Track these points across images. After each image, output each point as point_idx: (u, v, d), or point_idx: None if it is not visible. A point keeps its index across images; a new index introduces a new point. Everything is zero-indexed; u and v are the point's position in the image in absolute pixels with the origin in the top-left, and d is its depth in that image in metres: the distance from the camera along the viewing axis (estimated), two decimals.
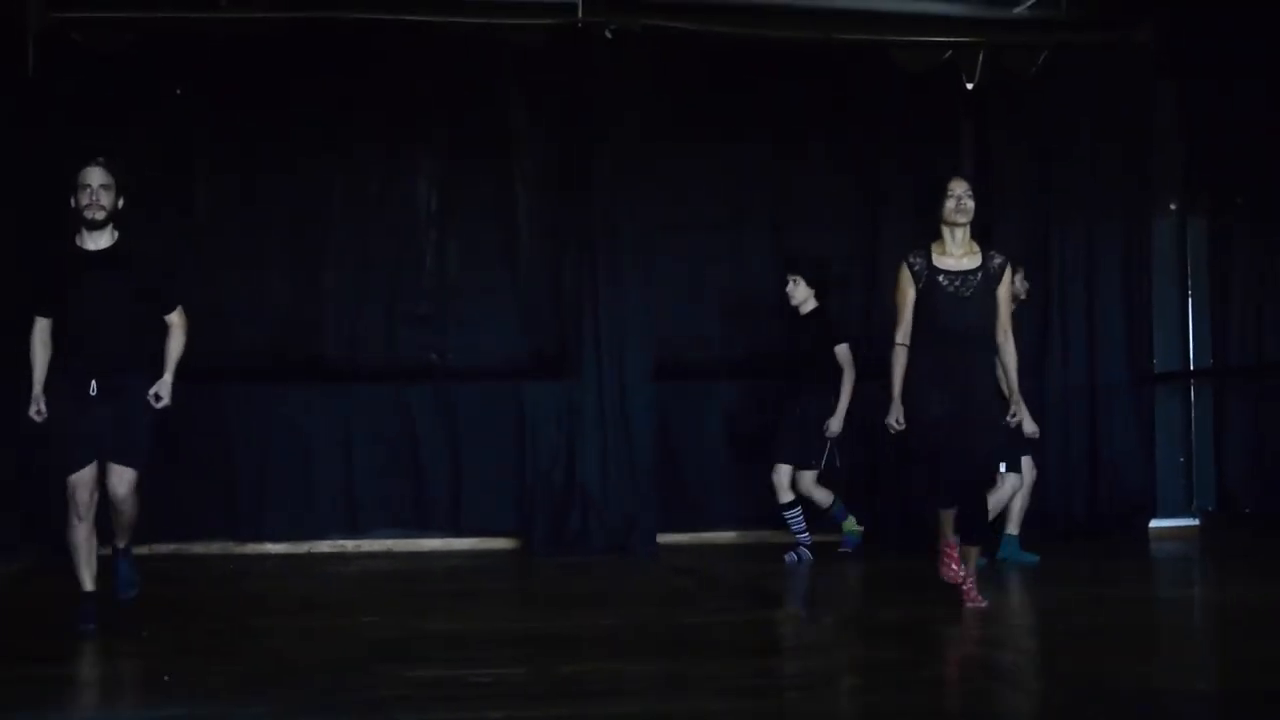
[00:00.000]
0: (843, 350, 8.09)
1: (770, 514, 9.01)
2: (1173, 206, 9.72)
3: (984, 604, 5.98)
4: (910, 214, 9.43)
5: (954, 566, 6.02)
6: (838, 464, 8.08)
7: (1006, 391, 6.17)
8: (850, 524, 8.32)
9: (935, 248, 6.01)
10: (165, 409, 5.83)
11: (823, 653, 5.17)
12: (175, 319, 6.00)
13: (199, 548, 8.44)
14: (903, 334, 5.99)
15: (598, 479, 8.64)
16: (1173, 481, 9.50)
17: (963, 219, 5.96)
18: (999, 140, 9.31)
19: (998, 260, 5.99)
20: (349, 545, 8.63)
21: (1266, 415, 9.47)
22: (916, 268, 5.96)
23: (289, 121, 8.83)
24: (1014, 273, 6.14)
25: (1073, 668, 4.86)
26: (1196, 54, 9.20)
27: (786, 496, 8.06)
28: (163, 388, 5.80)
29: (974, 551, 6.10)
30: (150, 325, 5.90)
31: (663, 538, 8.64)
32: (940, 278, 5.92)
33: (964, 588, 6.02)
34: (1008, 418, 6.17)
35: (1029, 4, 9.02)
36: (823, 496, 8.19)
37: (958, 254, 5.97)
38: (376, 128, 8.95)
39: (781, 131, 9.29)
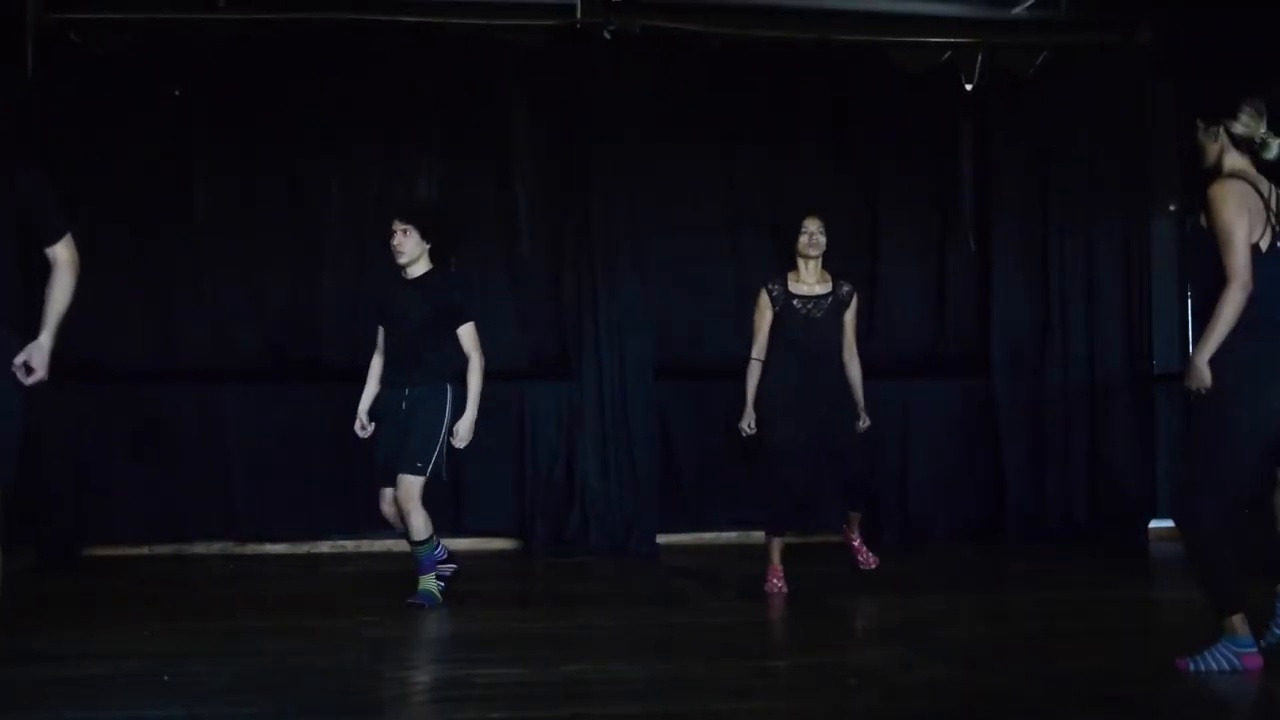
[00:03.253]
0: (468, 329, 6.33)
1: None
2: (1172, 207, 9.72)
3: (875, 562, 7.06)
4: (910, 214, 9.45)
5: (776, 582, 6.67)
6: (444, 477, 6.33)
7: (857, 402, 6.90)
8: (430, 582, 6.27)
9: (791, 276, 6.76)
10: (40, 386, 4.35)
11: (821, 653, 5.17)
12: (61, 254, 4.40)
13: (199, 548, 8.44)
14: (758, 350, 6.77)
15: (598, 479, 8.64)
16: (1173, 482, 9.49)
17: (814, 252, 6.71)
18: (998, 141, 9.30)
19: (846, 288, 6.80)
20: (349, 545, 8.63)
21: None
22: (775, 293, 6.72)
23: (288, 122, 8.82)
24: (859, 301, 6.97)
25: (1071, 669, 4.87)
26: (1195, 54, 9.19)
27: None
28: (36, 354, 4.26)
29: (857, 517, 7.10)
30: (23, 263, 4.49)
31: (663, 538, 8.63)
32: (795, 302, 6.70)
33: (855, 545, 7.12)
34: (860, 425, 6.86)
35: (1027, 4, 9.02)
36: (421, 523, 6.20)
37: (811, 281, 6.75)
38: (375, 129, 8.95)
39: (780, 132, 9.29)
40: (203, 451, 8.45)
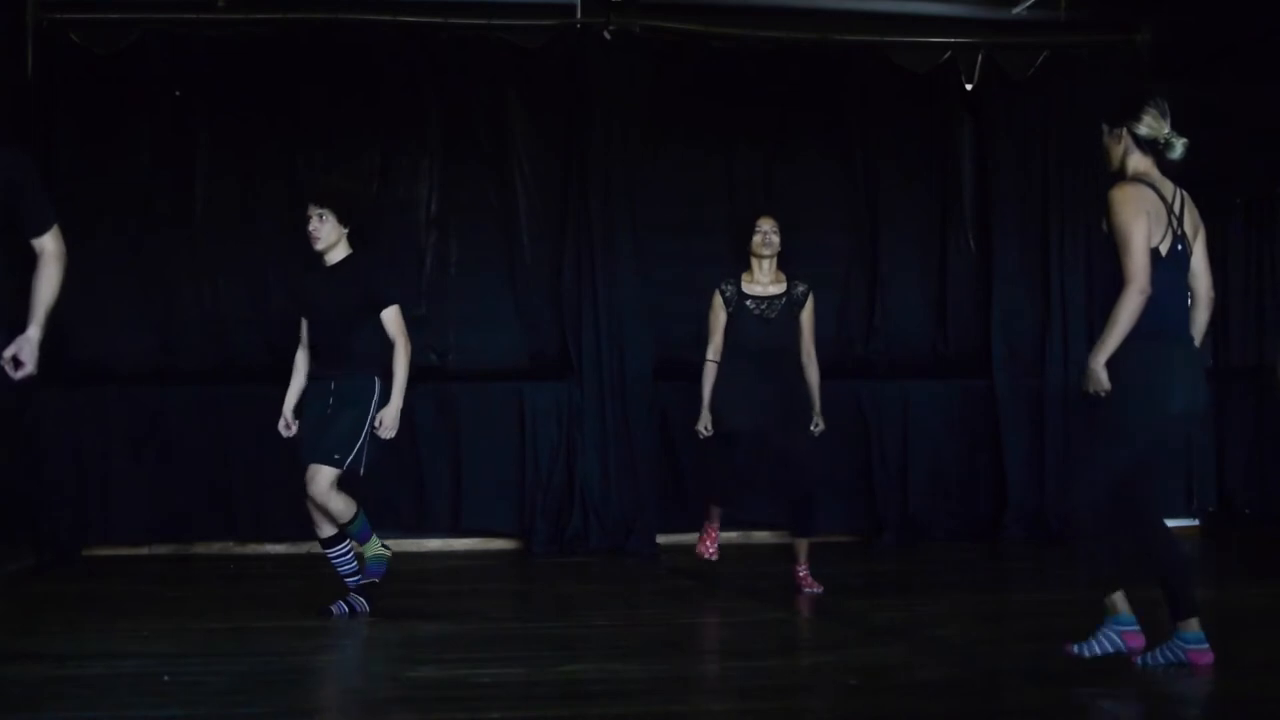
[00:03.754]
0: (392, 315, 6.03)
1: (768, 515, 9.04)
2: None
3: (819, 588, 6.59)
4: (910, 214, 9.45)
5: (708, 543, 6.80)
6: (361, 471, 6.03)
7: (813, 405, 6.70)
8: (374, 547, 6.14)
9: (745, 276, 6.70)
10: (34, 383, 4.22)
11: (822, 653, 5.17)
12: (49, 245, 4.32)
13: (199, 548, 8.44)
14: (713, 351, 6.68)
15: (598, 479, 8.64)
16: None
17: (768, 252, 6.66)
18: (998, 141, 9.31)
19: (801, 288, 6.70)
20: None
21: (1266, 416, 9.47)
22: (728, 294, 6.68)
23: (287, 123, 8.81)
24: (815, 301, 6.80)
25: (1070, 669, 4.86)
26: (1195, 55, 9.21)
27: (330, 530, 6.07)
28: (25, 347, 4.12)
29: (805, 543, 6.69)
30: (12, 257, 4.42)
31: (663, 538, 8.63)
32: (748, 302, 6.64)
33: (799, 575, 6.67)
34: (811, 427, 6.65)
35: (1027, 4, 9.04)
36: (342, 506, 6.00)
37: (765, 282, 6.69)
38: (376, 129, 8.93)
39: (780, 132, 9.28)
40: (203, 451, 8.44)
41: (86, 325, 8.34)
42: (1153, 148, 4.64)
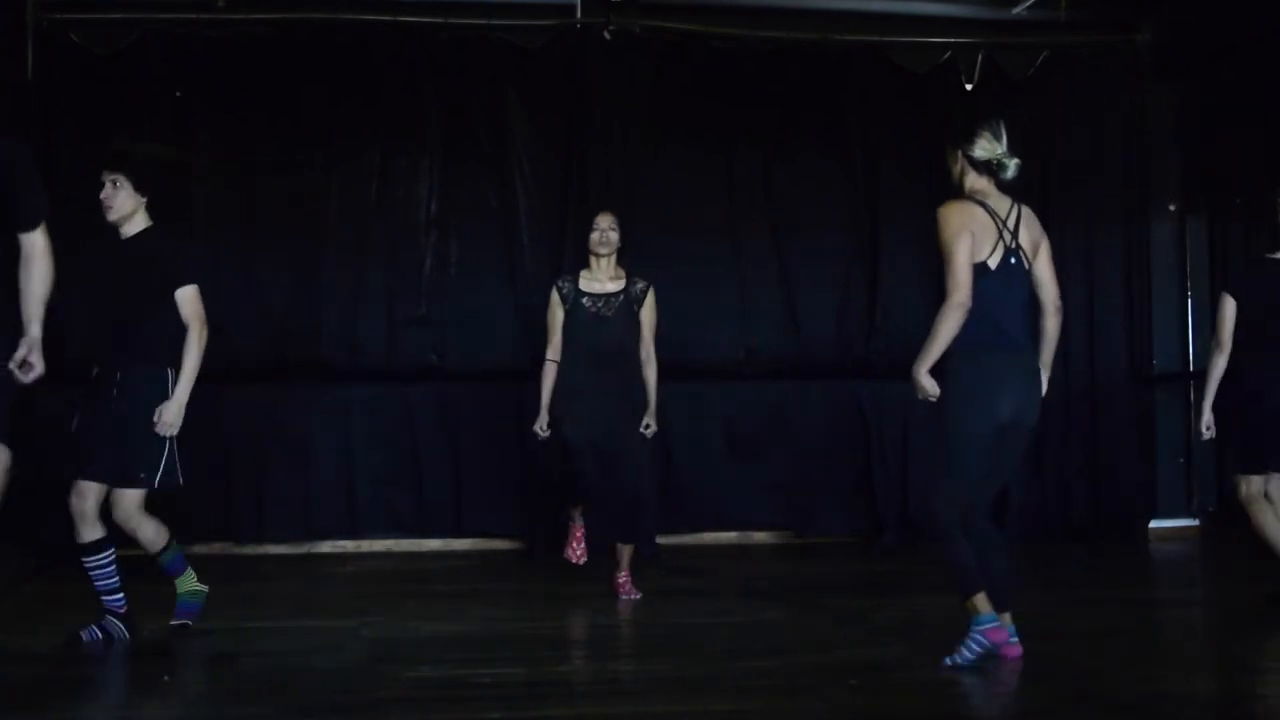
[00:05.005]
0: (189, 295, 5.31)
1: (768, 515, 9.04)
2: (1172, 207, 9.73)
3: (638, 595, 6.49)
4: (910, 214, 9.44)
5: (575, 546, 6.65)
6: (180, 481, 5.37)
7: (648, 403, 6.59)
8: (189, 582, 5.54)
9: (584, 273, 6.61)
10: (38, 383, 4.14)
11: (822, 653, 5.17)
12: (39, 241, 4.28)
13: (199, 548, 8.39)
14: (552, 351, 6.62)
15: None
16: (1173, 482, 9.49)
17: (605, 250, 6.54)
18: None
19: (640, 285, 6.60)
20: (349, 546, 8.63)
21: None
22: (564, 291, 6.60)
23: (288, 123, 8.81)
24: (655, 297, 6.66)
25: (1070, 669, 4.87)
26: (1195, 55, 9.21)
27: (93, 533, 5.24)
28: (33, 349, 4.11)
29: (629, 550, 6.57)
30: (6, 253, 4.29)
31: (663, 538, 8.61)
32: (585, 300, 6.54)
33: (619, 581, 6.52)
34: (642, 428, 6.54)
35: (1027, 4, 9.04)
36: (152, 533, 5.37)
37: (603, 279, 6.57)
38: (375, 129, 8.93)
39: (780, 132, 9.28)
40: (203, 451, 8.41)
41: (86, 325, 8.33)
42: (988, 168, 4.79)
